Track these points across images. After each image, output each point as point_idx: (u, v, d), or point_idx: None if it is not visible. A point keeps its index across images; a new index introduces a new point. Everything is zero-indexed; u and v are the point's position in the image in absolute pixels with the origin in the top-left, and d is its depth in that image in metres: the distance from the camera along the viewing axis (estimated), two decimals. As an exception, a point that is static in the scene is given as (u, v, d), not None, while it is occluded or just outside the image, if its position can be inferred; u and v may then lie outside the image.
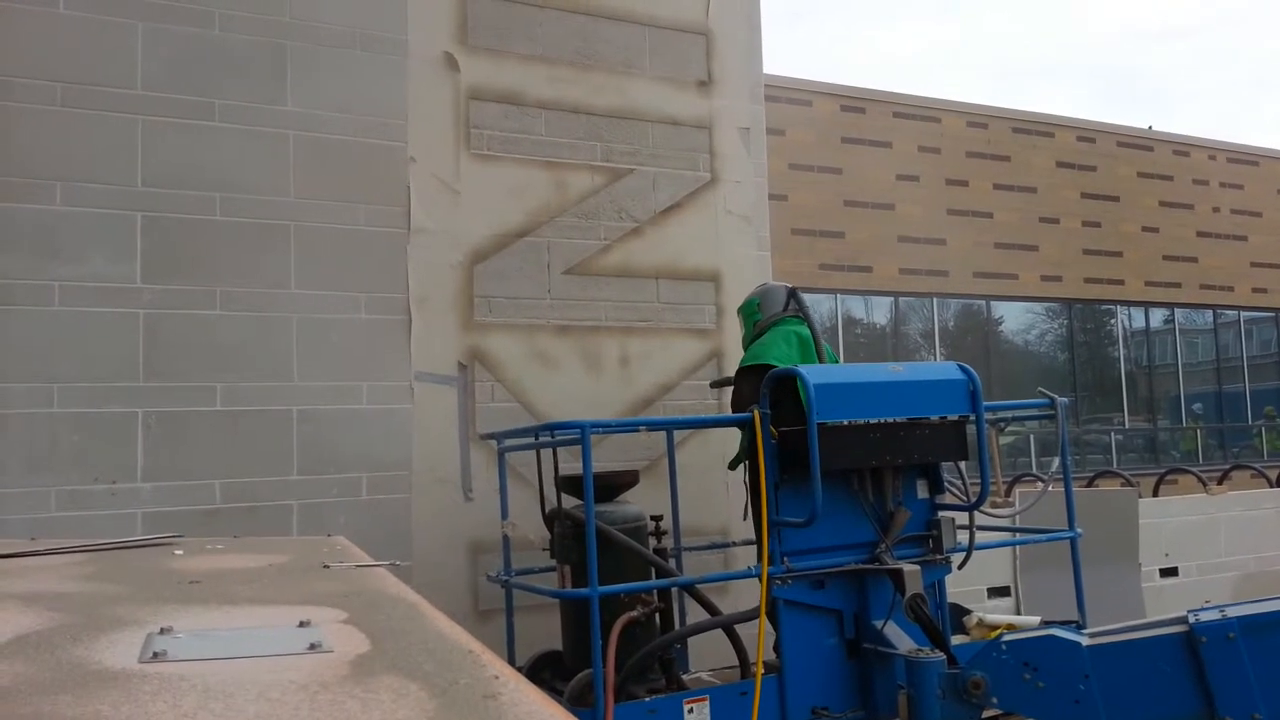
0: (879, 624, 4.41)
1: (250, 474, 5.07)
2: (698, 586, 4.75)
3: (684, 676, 4.67)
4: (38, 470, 4.69)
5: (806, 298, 5.36)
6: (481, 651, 1.47)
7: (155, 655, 1.42)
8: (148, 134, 5.03)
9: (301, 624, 1.65)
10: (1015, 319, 17.10)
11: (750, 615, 4.37)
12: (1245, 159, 18.93)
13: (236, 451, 5.05)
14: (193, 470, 4.95)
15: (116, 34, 5.01)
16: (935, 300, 15.93)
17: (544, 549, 5.01)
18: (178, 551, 2.88)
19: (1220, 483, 10.74)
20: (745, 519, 5.02)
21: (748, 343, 5.28)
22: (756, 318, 5.26)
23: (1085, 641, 3.88)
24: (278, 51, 5.33)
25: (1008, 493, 9.15)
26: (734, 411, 5.02)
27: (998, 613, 6.24)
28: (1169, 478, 12.63)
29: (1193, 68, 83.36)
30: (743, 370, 4.98)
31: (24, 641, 1.55)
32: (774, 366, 4.64)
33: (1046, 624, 4.38)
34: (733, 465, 5.39)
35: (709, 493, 6.05)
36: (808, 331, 5.06)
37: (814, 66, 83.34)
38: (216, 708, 1.18)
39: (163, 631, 1.58)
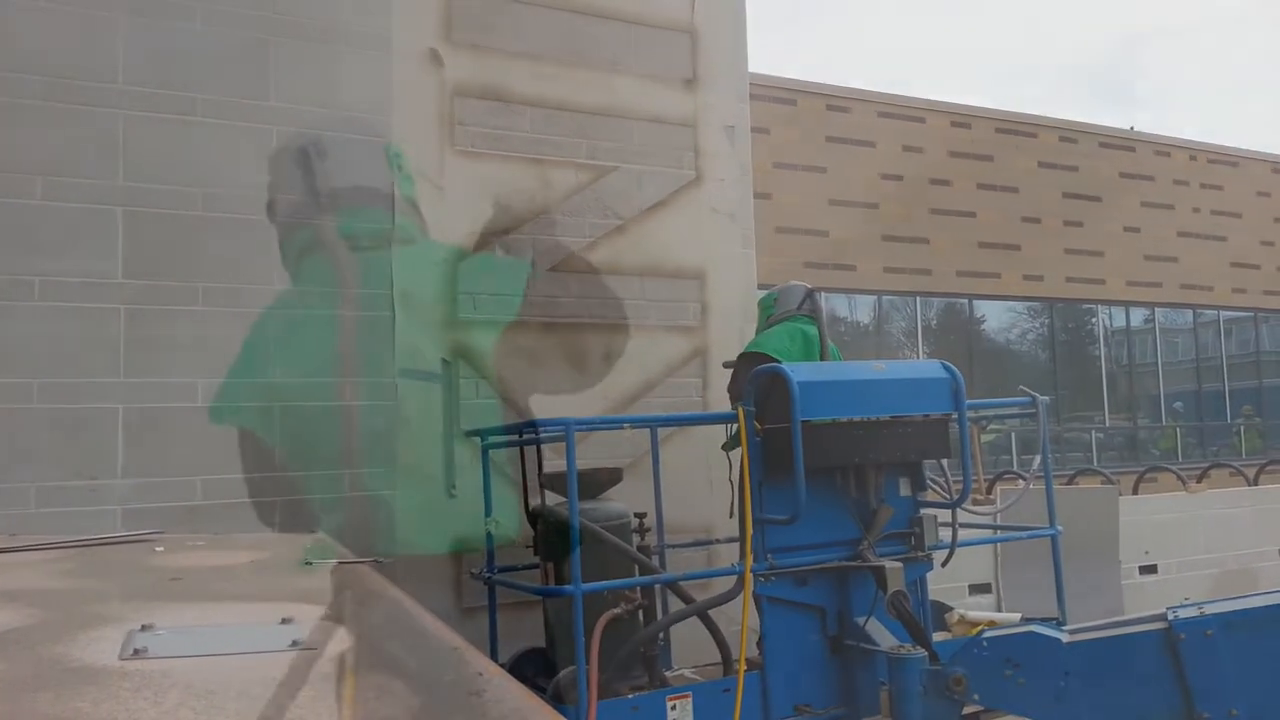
0: (861, 621, 4.43)
1: (232, 470, 5.03)
2: (681, 584, 4.75)
3: (667, 673, 4.68)
4: (17, 466, 4.64)
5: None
6: (465, 648, 1.47)
7: (136, 652, 1.41)
8: (129, 129, 4.98)
9: (284, 621, 1.64)
10: (997, 318, 17.18)
11: (729, 597, 4.39)
12: (1225, 160, 19.08)
13: (218, 448, 5.01)
14: (174, 466, 4.91)
15: (98, 28, 4.95)
16: (918, 299, 15.99)
17: (527, 546, 5.00)
18: (158, 548, 2.86)
19: (1199, 481, 10.83)
20: (731, 516, 5.03)
21: (759, 334, 5.43)
22: (770, 311, 5.43)
23: (1065, 638, 3.91)
24: (260, 46, 5.28)
25: (989, 490, 9.20)
26: (729, 393, 5.16)
27: (979, 610, 6.28)
28: (1149, 476, 12.73)
29: (1190, 66, 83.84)
30: (742, 356, 5.16)
31: (3, 639, 1.54)
32: (770, 357, 4.72)
33: (1027, 621, 4.41)
34: (726, 446, 5.40)
35: (692, 490, 6.05)
36: (815, 330, 5.15)
37: (809, 62, 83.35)
38: (198, 705, 1.17)
39: (143, 628, 1.57)
